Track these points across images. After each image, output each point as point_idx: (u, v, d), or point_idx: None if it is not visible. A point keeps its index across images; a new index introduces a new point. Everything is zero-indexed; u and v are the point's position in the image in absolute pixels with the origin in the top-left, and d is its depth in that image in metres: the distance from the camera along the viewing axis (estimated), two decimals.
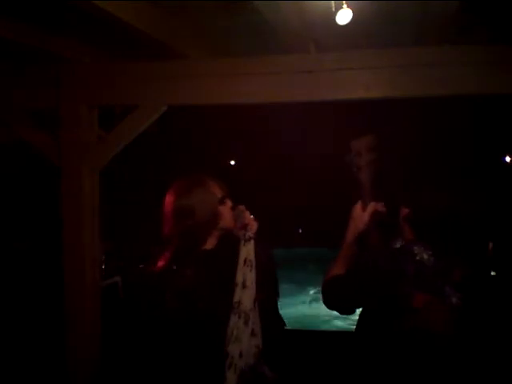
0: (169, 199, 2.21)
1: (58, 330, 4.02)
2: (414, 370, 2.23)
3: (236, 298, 2.14)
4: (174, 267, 2.12)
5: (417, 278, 2.29)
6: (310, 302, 11.16)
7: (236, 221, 2.26)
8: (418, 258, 2.34)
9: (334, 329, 8.61)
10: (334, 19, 2.99)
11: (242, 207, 2.29)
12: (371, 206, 2.56)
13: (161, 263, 2.16)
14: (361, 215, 2.56)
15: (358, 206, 2.56)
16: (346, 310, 2.46)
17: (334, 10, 2.97)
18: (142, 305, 2.17)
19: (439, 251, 2.35)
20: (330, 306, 2.43)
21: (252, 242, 2.23)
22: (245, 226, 2.25)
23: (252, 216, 2.30)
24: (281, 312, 2.60)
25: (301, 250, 14.34)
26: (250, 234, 2.23)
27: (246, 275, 2.18)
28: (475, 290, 2.35)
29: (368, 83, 3.93)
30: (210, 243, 2.23)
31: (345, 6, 2.94)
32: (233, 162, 17.42)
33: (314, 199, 14.31)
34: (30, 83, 4.38)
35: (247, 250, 2.21)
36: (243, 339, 2.10)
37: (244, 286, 2.16)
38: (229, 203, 2.27)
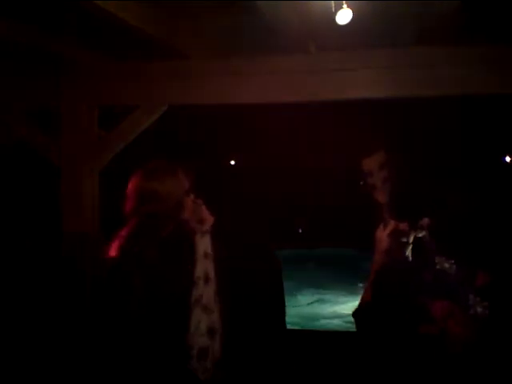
0: (136, 179, 2.20)
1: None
2: (432, 381, 2.14)
3: (199, 292, 2.15)
4: (136, 249, 2.11)
5: (436, 286, 2.22)
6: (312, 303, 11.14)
7: (194, 214, 2.27)
8: (438, 267, 2.27)
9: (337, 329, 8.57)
10: (334, 19, 2.99)
11: (200, 201, 2.30)
12: (391, 226, 2.47)
13: (116, 243, 2.15)
14: (382, 237, 2.47)
15: (380, 229, 2.47)
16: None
17: (333, 10, 2.97)
18: (110, 290, 2.15)
19: (463, 259, 2.27)
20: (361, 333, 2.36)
21: (208, 235, 2.25)
22: (201, 220, 2.27)
23: (208, 211, 2.33)
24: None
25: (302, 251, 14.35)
26: (206, 227, 2.26)
27: (208, 269, 2.20)
28: (502, 299, 2.22)
29: (369, 83, 3.93)
30: (166, 231, 2.22)
31: (345, 6, 2.94)
32: (233, 162, 17.41)
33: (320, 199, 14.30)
34: (29, 83, 4.38)
35: (204, 244, 2.22)
36: (205, 333, 2.12)
37: (207, 280, 2.18)
38: (192, 196, 2.27)
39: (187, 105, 4.41)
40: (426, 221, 2.41)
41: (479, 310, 2.17)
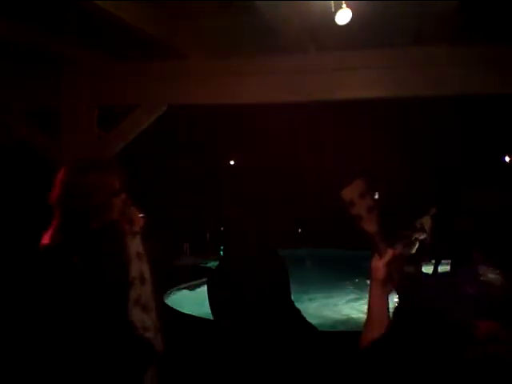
0: (64, 172, 2.20)
1: None
2: None
3: (137, 292, 2.18)
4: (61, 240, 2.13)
5: (481, 302, 1.99)
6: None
7: (123, 215, 2.28)
8: (482, 278, 2.01)
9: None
10: (334, 19, 3.00)
11: (129, 202, 2.30)
12: (388, 255, 2.23)
13: (48, 235, 2.16)
14: (379, 266, 2.26)
15: (375, 258, 2.26)
16: None
17: (333, 10, 2.97)
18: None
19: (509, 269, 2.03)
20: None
21: (138, 236, 2.26)
22: (130, 221, 2.29)
23: (140, 213, 2.35)
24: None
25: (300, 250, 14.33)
26: (135, 228, 2.27)
27: (142, 269, 2.21)
28: None
29: (368, 83, 3.94)
30: (92, 226, 2.22)
31: (344, 6, 2.94)
32: (232, 162, 17.42)
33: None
34: (29, 83, 4.39)
35: (136, 245, 2.24)
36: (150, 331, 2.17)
37: (142, 280, 2.19)
38: (123, 196, 2.26)
39: (187, 105, 4.42)
40: (426, 221, 2.37)
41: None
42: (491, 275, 1.96)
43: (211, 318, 2.17)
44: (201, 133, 14.26)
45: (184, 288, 10.33)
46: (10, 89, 4.37)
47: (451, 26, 3.51)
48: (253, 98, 4.18)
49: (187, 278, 11.16)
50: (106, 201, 2.19)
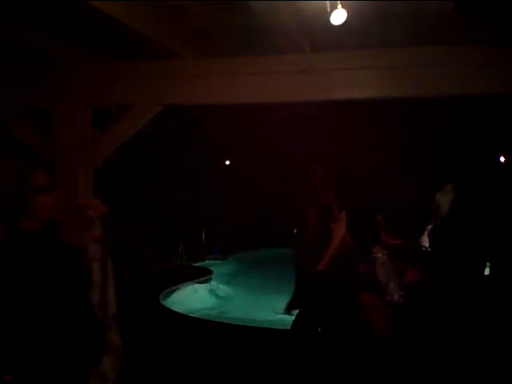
0: None
1: None
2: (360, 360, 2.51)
3: (96, 270, 2.27)
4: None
5: (368, 279, 2.56)
6: None
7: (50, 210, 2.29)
8: (372, 255, 2.61)
9: None
10: (329, 19, 3.00)
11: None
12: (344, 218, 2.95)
13: None
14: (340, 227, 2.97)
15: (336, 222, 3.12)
16: None
17: (328, 10, 2.97)
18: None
19: (397, 254, 2.64)
20: None
21: (97, 221, 2.33)
22: (89, 208, 2.34)
23: (98, 200, 2.44)
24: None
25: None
26: (92, 214, 2.34)
27: (97, 251, 2.29)
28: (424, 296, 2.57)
29: (363, 83, 3.94)
30: (30, 225, 2.18)
31: (339, 6, 2.94)
32: (227, 162, 17.42)
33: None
34: (25, 83, 4.37)
35: (94, 229, 2.32)
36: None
37: (95, 260, 2.27)
38: (55, 194, 2.23)
39: (182, 105, 4.41)
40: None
41: (399, 301, 2.52)
42: (379, 255, 2.59)
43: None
44: (197, 132, 14.26)
45: (177, 289, 10.34)
46: (5, 88, 4.36)
47: (448, 26, 3.52)
48: (249, 98, 4.18)
49: (184, 278, 11.19)
50: (25, 198, 2.11)
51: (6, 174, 2.12)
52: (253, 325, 7.38)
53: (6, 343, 1.97)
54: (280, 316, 6.97)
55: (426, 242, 4.99)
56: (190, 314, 8.21)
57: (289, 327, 3.96)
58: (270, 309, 8.89)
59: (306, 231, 4.12)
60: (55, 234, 2.22)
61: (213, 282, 11.90)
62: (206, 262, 14.41)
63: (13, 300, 1.99)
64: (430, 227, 5.19)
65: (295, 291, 4.17)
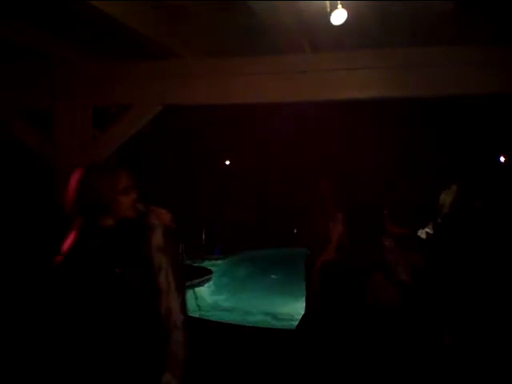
0: (75, 180, 2.28)
1: None
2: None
3: (162, 279, 2.28)
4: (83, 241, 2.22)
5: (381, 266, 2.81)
6: None
7: (136, 212, 2.35)
8: (382, 244, 2.86)
9: None
10: (329, 20, 3.00)
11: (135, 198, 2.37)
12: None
13: (69, 241, 2.22)
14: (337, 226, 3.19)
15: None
16: None
17: (328, 10, 2.97)
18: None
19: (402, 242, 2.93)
20: None
21: (159, 229, 2.35)
22: (155, 216, 2.36)
23: (163, 209, 2.44)
24: None
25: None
26: (155, 222, 2.36)
27: (162, 260, 2.31)
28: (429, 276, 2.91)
29: (363, 83, 3.94)
30: (105, 223, 2.27)
31: (339, 6, 2.94)
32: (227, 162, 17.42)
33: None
34: (25, 83, 4.37)
35: (156, 238, 2.32)
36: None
37: (160, 269, 2.29)
38: (133, 194, 2.32)
39: (182, 105, 4.41)
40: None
41: (407, 280, 2.80)
42: (387, 243, 2.86)
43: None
44: (197, 132, 14.25)
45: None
46: (5, 88, 4.36)
47: (449, 26, 3.52)
48: (250, 98, 4.18)
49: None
50: (113, 199, 2.26)
51: (98, 178, 2.28)
52: (252, 325, 7.38)
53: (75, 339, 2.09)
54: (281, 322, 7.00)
55: (423, 235, 5.05)
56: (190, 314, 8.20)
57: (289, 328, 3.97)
58: (270, 313, 8.88)
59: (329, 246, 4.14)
60: (129, 232, 2.31)
61: (213, 282, 11.90)
62: (206, 262, 14.40)
63: (87, 292, 2.14)
64: (430, 225, 5.22)
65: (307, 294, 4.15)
